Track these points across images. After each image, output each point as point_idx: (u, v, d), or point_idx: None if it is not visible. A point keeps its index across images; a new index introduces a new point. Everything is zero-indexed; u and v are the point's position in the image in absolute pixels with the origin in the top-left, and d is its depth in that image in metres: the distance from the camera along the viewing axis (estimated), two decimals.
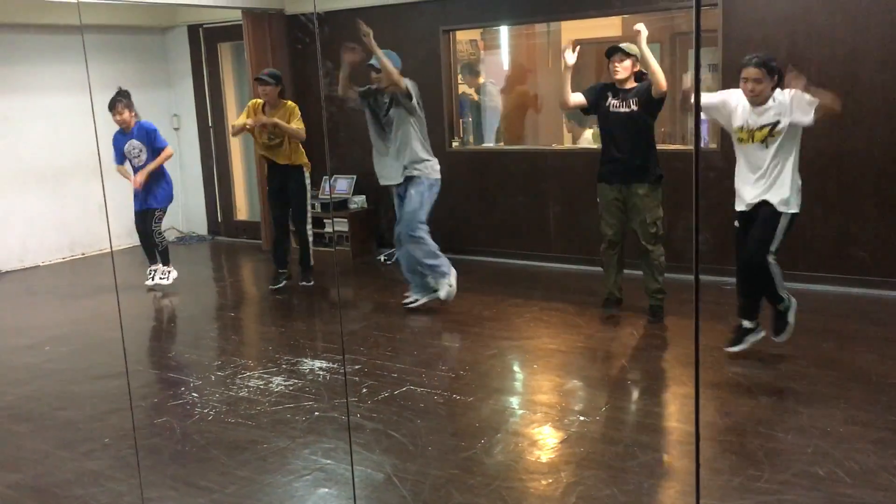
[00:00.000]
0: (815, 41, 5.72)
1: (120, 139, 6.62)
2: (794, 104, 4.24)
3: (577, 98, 5.49)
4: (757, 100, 4.32)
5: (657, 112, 5.33)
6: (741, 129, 4.41)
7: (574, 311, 5.74)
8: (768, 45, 5.85)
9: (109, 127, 6.56)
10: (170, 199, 6.83)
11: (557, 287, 6.43)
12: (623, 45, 5.34)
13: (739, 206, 4.53)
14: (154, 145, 6.58)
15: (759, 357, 4.62)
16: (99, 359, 5.25)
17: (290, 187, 6.56)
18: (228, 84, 9.04)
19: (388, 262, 7.50)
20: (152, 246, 6.80)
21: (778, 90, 4.32)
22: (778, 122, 4.29)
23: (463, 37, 8.12)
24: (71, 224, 8.33)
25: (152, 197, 6.69)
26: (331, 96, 7.60)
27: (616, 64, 5.32)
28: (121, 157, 6.67)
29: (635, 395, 4.39)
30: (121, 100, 6.47)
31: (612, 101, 5.37)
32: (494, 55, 8.94)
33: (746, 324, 4.57)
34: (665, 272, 5.41)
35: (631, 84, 5.34)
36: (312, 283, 6.72)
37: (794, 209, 4.38)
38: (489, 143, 8.05)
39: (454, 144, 7.57)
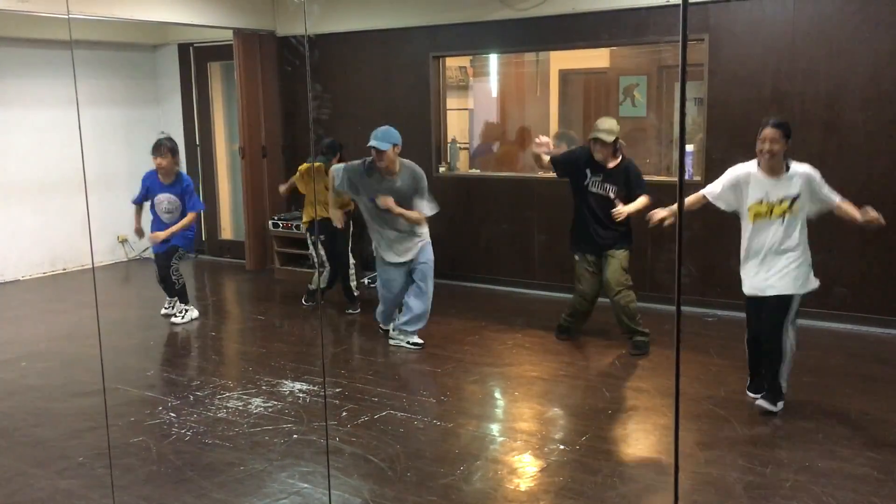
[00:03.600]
0: (799, 78, 5.80)
1: (155, 184, 6.28)
2: (813, 187, 4.21)
3: (552, 166, 5.51)
4: (773, 162, 4.18)
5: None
6: (760, 202, 4.23)
7: (556, 339, 5.74)
8: (753, 80, 5.94)
9: (95, 143, 6.54)
10: (192, 241, 6.58)
11: (540, 314, 6.43)
12: (601, 133, 5.25)
13: (752, 291, 4.33)
14: (190, 203, 6.31)
15: (739, 390, 4.64)
16: (76, 376, 5.20)
17: (338, 232, 6.62)
18: (217, 103, 9.05)
19: (372, 286, 7.48)
20: (171, 285, 6.47)
21: (793, 163, 4.24)
22: (799, 196, 4.20)
23: (452, 63, 8.19)
24: (53, 239, 8.28)
25: (177, 237, 6.35)
26: (319, 119, 7.65)
27: (598, 148, 5.30)
28: (141, 198, 6.36)
29: (616, 424, 4.39)
30: (166, 143, 6.21)
31: (593, 179, 5.36)
32: (483, 82, 9.02)
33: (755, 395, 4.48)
34: (636, 313, 5.44)
35: (614, 162, 5.34)
36: (359, 311, 6.69)
37: (814, 285, 4.31)
38: (476, 170, 8.09)
39: (441, 170, 7.59)
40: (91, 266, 8.52)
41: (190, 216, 6.35)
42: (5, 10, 6.16)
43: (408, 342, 5.66)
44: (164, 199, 6.28)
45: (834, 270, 5.85)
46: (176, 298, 6.55)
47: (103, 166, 8.28)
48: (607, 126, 5.28)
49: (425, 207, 5.59)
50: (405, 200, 5.51)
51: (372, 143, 5.40)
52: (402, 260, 5.64)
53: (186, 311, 6.53)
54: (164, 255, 6.39)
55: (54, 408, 4.70)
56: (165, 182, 6.27)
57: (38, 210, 8.17)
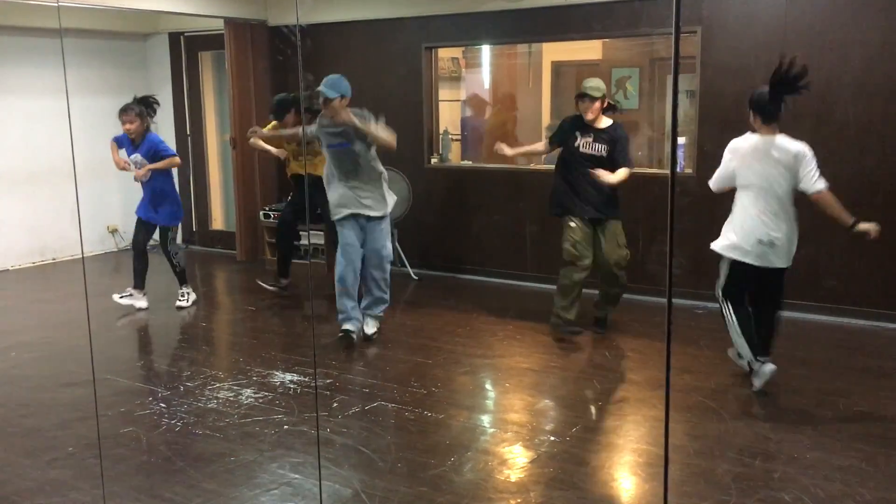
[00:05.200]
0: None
1: (126, 144, 6.24)
2: None
3: (541, 146, 5.73)
4: None
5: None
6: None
7: (548, 331, 5.74)
8: (746, 73, 5.94)
9: (85, 132, 6.51)
10: (177, 217, 6.47)
11: (532, 306, 6.44)
12: (588, 89, 5.28)
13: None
14: (160, 157, 6.22)
15: (729, 382, 4.66)
16: (66, 366, 5.18)
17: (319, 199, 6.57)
18: (208, 93, 9.01)
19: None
20: (145, 263, 6.44)
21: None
22: None
23: (445, 54, 8.17)
24: (43, 228, 8.23)
25: (159, 214, 6.34)
26: (310, 109, 7.62)
27: (586, 105, 5.30)
28: (117, 141, 6.29)
29: (606, 416, 4.40)
30: (134, 107, 6.12)
31: (582, 140, 5.36)
32: (475, 73, 9.01)
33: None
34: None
35: (602, 122, 5.35)
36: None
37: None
38: (467, 161, 8.09)
39: (433, 161, 7.58)
40: (81, 256, 8.48)
41: (170, 159, 6.26)
42: None
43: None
44: (134, 161, 6.20)
45: (823, 263, 5.87)
46: (135, 290, 6.51)
47: (93, 156, 8.20)
48: (594, 83, 5.30)
49: (382, 130, 5.29)
50: (351, 141, 5.28)
51: (320, 88, 5.21)
52: (361, 211, 5.39)
53: (188, 293, 6.59)
54: (144, 227, 6.36)
55: (44, 398, 4.68)
56: (135, 143, 6.21)
57: (27, 199, 8.12)
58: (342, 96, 5.24)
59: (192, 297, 6.65)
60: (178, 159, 6.41)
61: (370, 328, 5.61)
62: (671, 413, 4.28)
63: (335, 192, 5.46)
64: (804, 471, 3.61)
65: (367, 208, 5.43)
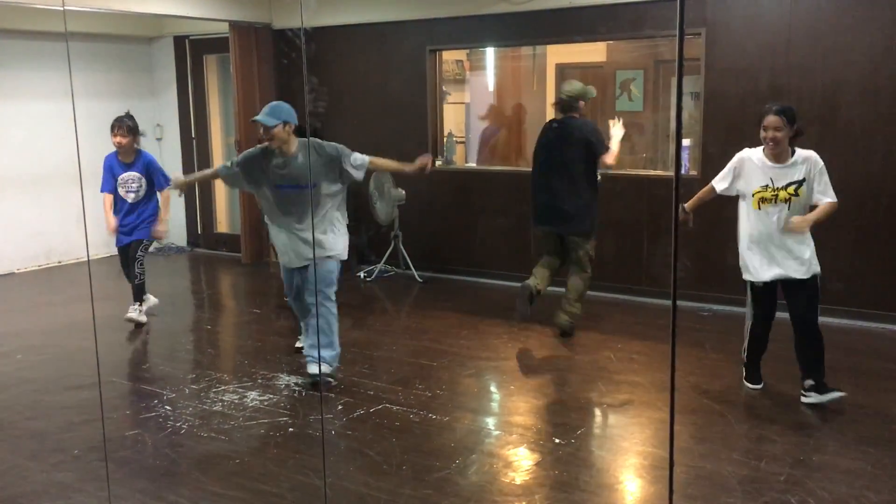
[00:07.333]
0: (795, 72, 5.80)
1: (116, 165, 6.04)
2: (813, 174, 4.21)
3: None
4: (777, 149, 4.21)
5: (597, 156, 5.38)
6: (765, 188, 4.25)
7: (552, 333, 5.74)
8: (750, 75, 5.94)
9: (90, 135, 6.52)
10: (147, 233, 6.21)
11: (536, 308, 6.43)
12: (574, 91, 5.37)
13: (767, 277, 4.35)
14: (161, 181, 6.08)
15: (734, 385, 4.65)
16: (72, 369, 5.19)
17: None
18: (213, 96, 9.03)
19: (368, 280, 7.49)
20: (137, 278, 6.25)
21: (798, 149, 4.26)
22: (804, 180, 4.20)
23: (449, 57, 8.18)
24: (48, 232, 8.26)
25: (134, 235, 6.12)
26: (315, 112, 7.64)
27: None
28: (110, 184, 6.03)
29: (611, 418, 4.40)
30: (127, 121, 5.96)
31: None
32: (480, 76, 9.01)
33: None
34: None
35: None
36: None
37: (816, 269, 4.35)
38: (472, 164, 8.09)
39: (437, 164, 7.59)
40: (86, 259, 8.50)
41: (166, 195, 6.12)
42: (0, 1, 6.13)
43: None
44: (129, 179, 6.03)
45: (829, 265, 5.85)
46: (139, 302, 6.26)
47: (99, 159, 8.21)
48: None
49: (359, 160, 4.71)
50: (315, 177, 4.66)
51: (258, 118, 4.60)
52: (302, 264, 4.80)
53: (140, 310, 6.21)
54: (126, 249, 6.18)
55: (50, 401, 4.69)
56: (126, 161, 6.06)
57: (33, 203, 8.15)
58: (285, 123, 4.60)
59: (146, 308, 6.26)
60: (169, 193, 6.20)
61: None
62: (676, 415, 4.28)
63: (276, 236, 4.85)
64: (810, 473, 3.60)
65: (303, 259, 4.79)
